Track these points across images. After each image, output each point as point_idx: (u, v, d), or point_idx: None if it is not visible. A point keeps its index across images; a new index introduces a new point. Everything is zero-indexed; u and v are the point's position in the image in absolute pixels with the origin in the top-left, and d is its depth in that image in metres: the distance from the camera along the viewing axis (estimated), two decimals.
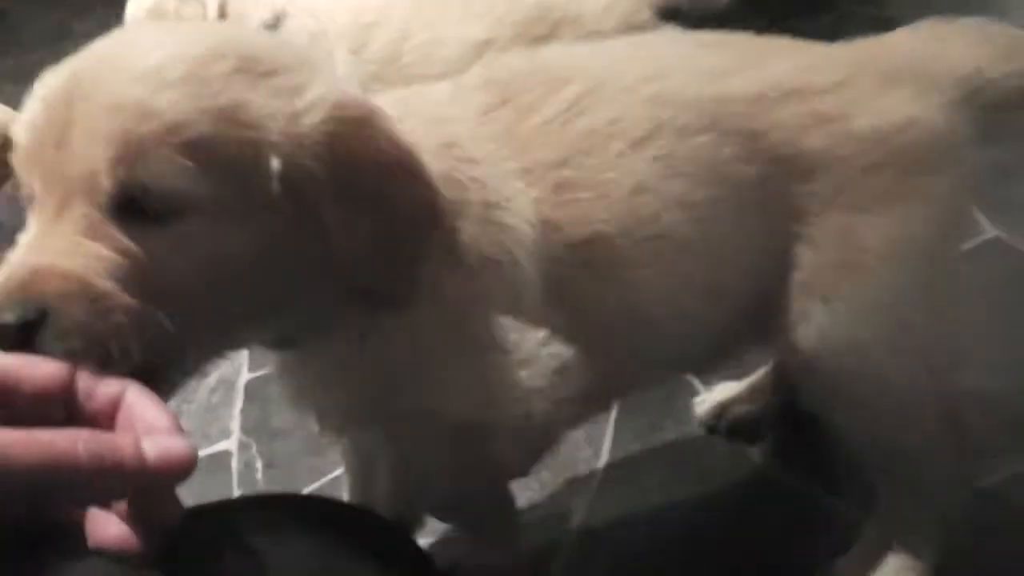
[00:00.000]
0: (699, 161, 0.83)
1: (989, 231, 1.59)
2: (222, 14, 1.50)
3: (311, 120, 0.68)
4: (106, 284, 0.61)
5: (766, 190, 0.84)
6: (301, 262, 0.71)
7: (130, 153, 0.63)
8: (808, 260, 0.85)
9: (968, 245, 1.53)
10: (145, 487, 0.53)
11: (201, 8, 1.50)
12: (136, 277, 0.63)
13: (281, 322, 0.76)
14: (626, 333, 0.86)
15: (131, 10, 1.55)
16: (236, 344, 0.79)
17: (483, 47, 1.39)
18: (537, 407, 0.83)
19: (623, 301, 0.84)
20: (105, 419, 0.55)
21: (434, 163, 0.77)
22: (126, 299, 0.62)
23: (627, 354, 0.88)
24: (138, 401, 0.55)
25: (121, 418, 0.55)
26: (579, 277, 0.83)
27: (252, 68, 0.69)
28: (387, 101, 0.85)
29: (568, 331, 0.83)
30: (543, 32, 1.38)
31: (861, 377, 0.88)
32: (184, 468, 0.53)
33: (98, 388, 0.56)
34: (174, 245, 0.65)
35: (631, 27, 1.38)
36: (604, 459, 1.35)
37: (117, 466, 0.50)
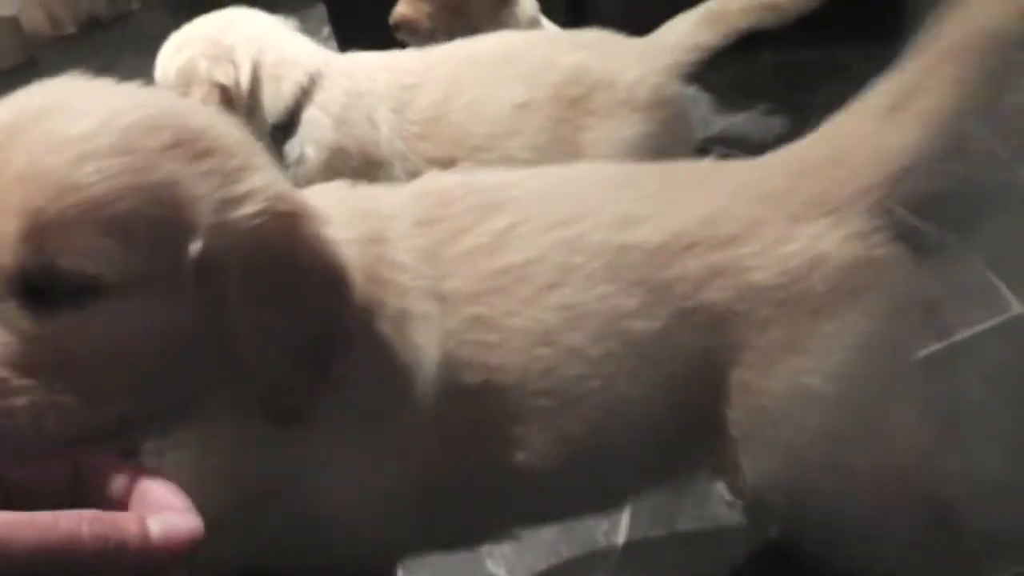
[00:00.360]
0: (602, 313, 0.80)
1: (1016, 308, 1.57)
2: (256, 76, 1.51)
3: (245, 210, 0.65)
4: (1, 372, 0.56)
5: (671, 344, 0.80)
6: (211, 355, 0.65)
7: (43, 228, 0.57)
8: (727, 414, 0.82)
9: (993, 322, 1.52)
10: (153, 568, 0.51)
11: (233, 70, 1.50)
12: (37, 361, 0.57)
13: (191, 411, 0.70)
14: (499, 483, 0.83)
15: (161, 70, 1.55)
16: (157, 428, 0.72)
17: (523, 108, 1.42)
18: (374, 534, 0.80)
19: (501, 454, 0.81)
20: (116, 504, 0.54)
21: (357, 256, 0.74)
22: (23, 383, 0.56)
23: (497, 503, 0.85)
24: (151, 483, 0.54)
25: (133, 502, 0.54)
26: (464, 420, 0.80)
27: (189, 144, 0.65)
28: (326, 189, 0.83)
29: (439, 464, 0.80)
30: (578, 94, 1.41)
31: (817, 516, 0.85)
32: (191, 545, 0.51)
33: (109, 472, 0.55)
34: (83, 328, 0.59)
35: (661, 98, 1.40)
36: (622, 535, 1.32)
37: (121, 546, 0.48)
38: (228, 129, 0.70)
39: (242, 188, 0.65)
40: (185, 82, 1.53)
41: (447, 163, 1.45)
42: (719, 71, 2.59)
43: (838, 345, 0.79)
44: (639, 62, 1.44)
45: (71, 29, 5.30)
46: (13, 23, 4.78)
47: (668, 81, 1.44)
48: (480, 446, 0.81)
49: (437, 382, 0.77)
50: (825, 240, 0.79)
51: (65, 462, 0.55)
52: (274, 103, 1.53)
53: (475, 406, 0.79)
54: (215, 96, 1.50)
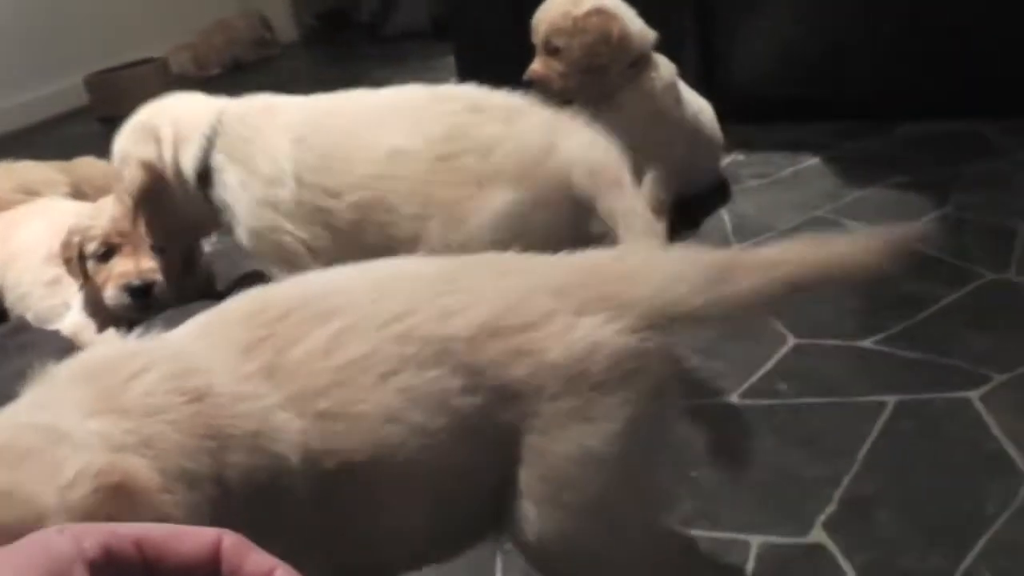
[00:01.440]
0: (434, 393, 0.93)
1: None
2: (176, 146, 1.69)
3: (78, 492, 0.74)
4: None
5: (487, 417, 0.94)
6: None
7: None
8: (522, 475, 0.95)
9: None
10: None
11: (156, 146, 1.70)
12: None
13: None
14: (370, 536, 0.97)
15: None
16: None
17: (397, 154, 1.46)
18: None
19: (370, 517, 0.95)
20: None
21: (175, 434, 0.84)
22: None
23: (369, 548, 0.99)
24: None
25: None
26: (335, 494, 0.92)
27: (7, 456, 0.75)
28: (145, 348, 0.94)
29: (325, 531, 0.93)
30: (450, 151, 1.42)
31: (576, 565, 1.00)
32: None
33: (245, 566, 0.54)
34: None
35: (527, 173, 1.39)
36: None
37: None
38: (32, 432, 0.80)
39: (68, 475, 0.75)
40: (122, 165, 1.71)
41: (336, 194, 1.51)
42: (852, 141, 2.53)
43: (614, 416, 0.94)
44: (532, 134, 1.42)
45: (215, 71, 5.57)
46: (162, 64, 5.04)
47: (539, 162, 1.39)
48: (353, 514, 0.94)
49: (303, 476, 0.89)
50: (603, 331, 0.94)
51: (207, 548, 0.54)
52: (189, 161, 1.67)
53: (338, 485, 0.91)
54: (142, 173, 1.68)
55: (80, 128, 4.64)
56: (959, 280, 1.71)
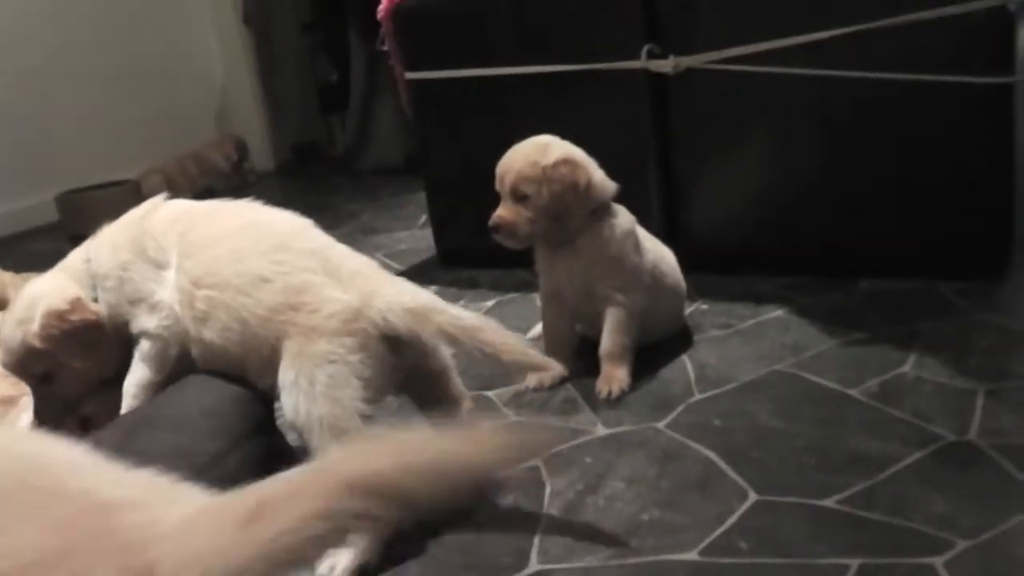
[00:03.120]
0: None
1: None
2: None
3: None
4: None
5: None
6: None
7: None
8: None
9: None
10: None
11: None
12: None
13: None
14: None
15: None
16: None
17: (263, 282, 1.65)
18: None
19: None
20: None
21: None
22: None
23: None
24: None
25: None
26: None
27: None
28: None
29: None
30: (296, 302, 1.63)
31: None
32: None
33: None
34: None
35: (343, 330, 1.60)
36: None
37: None
38: None
39: None
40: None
41: (198, 283, 1.70)
42: (813, 295, 2.56)
43: None
44: (356, 297, 1.62)
45: (187, 196, 5.58)
46: (134, 187, 5.06)
47: (361, 316, 1.60)
48: None
49: None
50: None
51: None
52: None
53: None
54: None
55: (49, 245, 4.60)
56: (919, 440, 1.70)
